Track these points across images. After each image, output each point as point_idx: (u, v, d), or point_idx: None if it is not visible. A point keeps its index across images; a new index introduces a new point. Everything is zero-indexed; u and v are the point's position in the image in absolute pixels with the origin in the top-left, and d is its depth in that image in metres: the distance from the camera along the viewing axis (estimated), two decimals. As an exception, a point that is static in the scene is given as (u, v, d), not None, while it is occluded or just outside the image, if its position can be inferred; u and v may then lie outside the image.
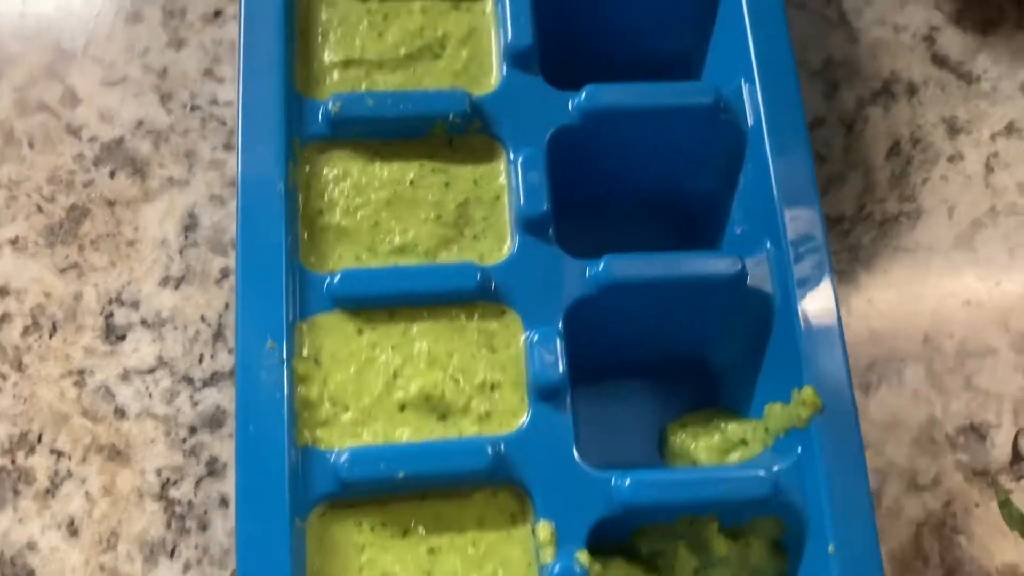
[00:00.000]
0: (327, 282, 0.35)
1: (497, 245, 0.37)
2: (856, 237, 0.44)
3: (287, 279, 0.35)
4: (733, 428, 0.38)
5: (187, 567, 0.38)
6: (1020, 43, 0.48)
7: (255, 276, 0.35)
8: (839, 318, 0.36)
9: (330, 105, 0.37)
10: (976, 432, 0.41)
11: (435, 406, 0.35)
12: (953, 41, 0.48)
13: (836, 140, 0.46)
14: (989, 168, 0.46)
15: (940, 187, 0.45)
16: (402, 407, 0.35)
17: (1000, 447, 0.41)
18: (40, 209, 0.42)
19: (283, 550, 0.32)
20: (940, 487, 0.40)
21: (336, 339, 0.35)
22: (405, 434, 0.34)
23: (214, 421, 0.39)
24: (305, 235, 0.37)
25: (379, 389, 0.35)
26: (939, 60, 0.47)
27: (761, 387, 0.38)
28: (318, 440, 0.34)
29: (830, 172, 0.45)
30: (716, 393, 0.41)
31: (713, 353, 0.41)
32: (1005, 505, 0.40)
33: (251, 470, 0.33)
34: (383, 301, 0.36)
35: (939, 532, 0.40)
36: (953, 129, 0.46)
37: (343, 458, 0.33)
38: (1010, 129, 0.47)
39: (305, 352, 0.35)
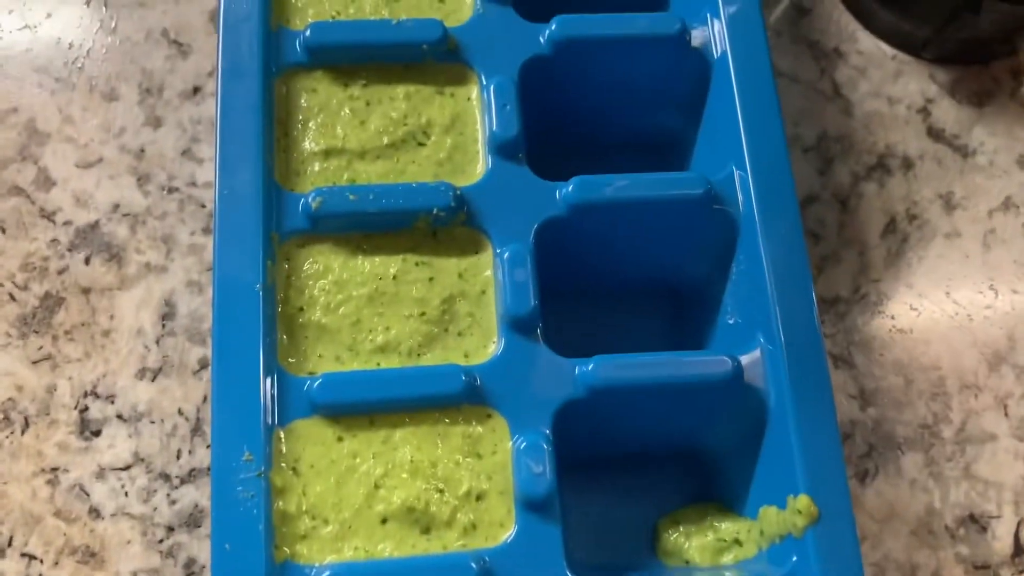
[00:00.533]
0: (307, 386, 0.34)
1: (483, 342, 0.36)
2: (851, 320, 0.43)
3: (264, 384, 0.34)
4: (727, 527, 0.37)
5: None
6: (1015, 114, 0.47)
7: (231, 381, 0.34)
8: (835, 419, 0.35)
9: (311, 200, 0.36)
10: (976, 523, 0.40)
11: (418, 518, 0.33)
12: (948, 113, 0.47)
13: (831, 217, 0.45)
14: (986, 245, 0.45)
15: (937, 265, 0.44)
16: (384, 520, 0.33)
17: (1001, 539, 0.40)
18: (13, 298, 0.41)
19: (261, 675, 0.31)
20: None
21: (315, 447, 0.34)
22: (387, 549, 0.33)
23: (192, 520, 0.38)
24: (284, 337, 0.35)
25: (360, 501, 0.34)
26: (935, 133, 0.47)
27: (757, 483, 0.37)
28: (297, 555, 0.33)
29: (824, 251, 0.44)
30: (710, 484, 0.40)
31: (706, 445, 0.40)
32: (1006, 602, 0.39)
33: (227, 590, 0.32)
34: (364, 407, 0.34)
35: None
36: (949, 205, 0.45)
37: (323, 575, 0.32)
38: (1007, 204, 0.46)
39: (283, 462, 0.34)
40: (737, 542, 0.37)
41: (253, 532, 0.32)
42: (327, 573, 0.32)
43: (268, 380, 0.34)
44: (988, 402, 0.42)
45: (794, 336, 0.36)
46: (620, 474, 0.40)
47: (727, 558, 0.37)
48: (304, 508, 0.33)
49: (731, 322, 0.39)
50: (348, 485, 0.34)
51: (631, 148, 0.43)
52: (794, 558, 0.34)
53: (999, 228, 0.45)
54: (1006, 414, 0.42)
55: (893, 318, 0.43)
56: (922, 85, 0.47)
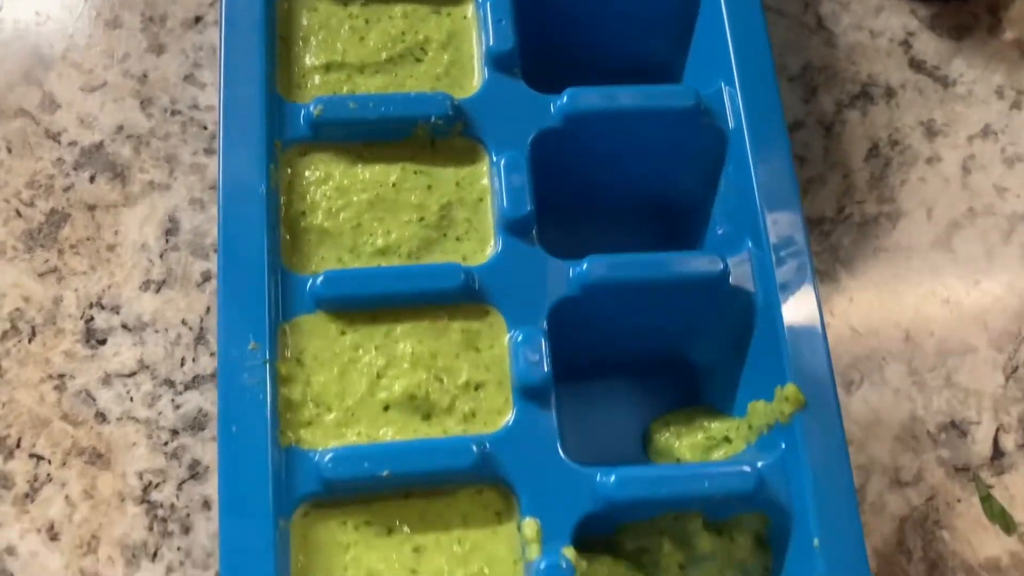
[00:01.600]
0: (310, 283, 0.35)
1: (480, 247, 0.37)
2: (836, 238, 0.45)
3: (269, 281, 0.35)
4: (716, 426, 0.38)
5: (169, 570, 0.37)
6: (993, 48, 0.49)
7: (237, 278, 0.35)
8: (821, 315, 0.36)
9: (312, 108, 0.37)
10: (957, 429, 0.42)
11: (419, 406, 0.35)
12: (929, 45, 0.48)
13: (815, 143, 0.46)
14: (966, 170, 0.46)
15: (919, 189, 0.46)
16: (386, 407, 0.34)
17: (981, 443, 0.41)
18: (19, 214, 0.42)
19: (267, 550, 0.32)
20: (923, 483, 0.41)
21: (319, 340, 0.35)
22: (389, 434, 0.34)
23: (196, 424, 0.39)
24: (287, 237, 0.36)
25: (363, 390, 0.35)
26: (916, 64, 0.48)
27: (744, 385, 0.38)
28: (301, 440, 0.34)
29: (810, 174, 0.46)
30: (699, 391, 0.41)
31: (696, 352, 0.41)
32: (986, 500, 0.40)
33: (234, 471, 0.32)
34: (366, 302, 0.36)
35: (922, 527, 0.40)
36: (931, 132, 0.47)
37: (326, 458, 0.33)
38: (986, 132, 0.47)
39: (288, 353, 0.35)
40: (727, 439, 0.38)
41: (259, 417, 0.33)
42: (330, 455, 0.33)
43: (272, 278, 0.35)
44: (968, 317, 0.44)
45: (781, 239, 0.37)
46: (612, 381, 0.41)
47: (717, 455, 0.38)
48: (308, 397, 0.34)
49: (720, 232, 0.40)
50: (351, 375, 0.35)
51: (623, 73, 0.45)
52: (782, 445, 0.35)
53: (978, 154, 0.47)
54: (985, 327, 0.43)
55: (877, 237, 0.45)
56: (903, 20, 0.49)
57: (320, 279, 0.35)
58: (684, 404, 0.41)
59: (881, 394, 0.42)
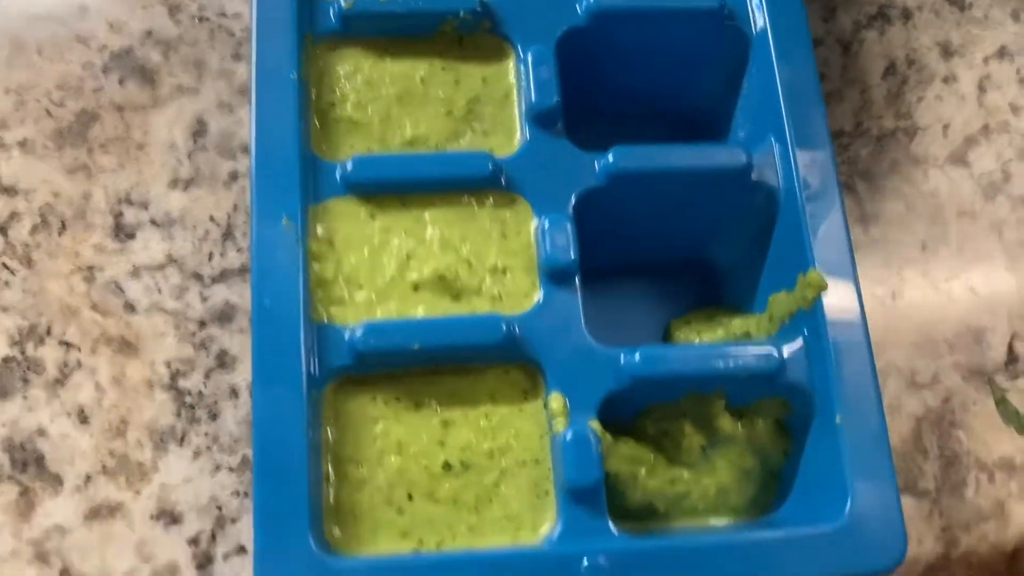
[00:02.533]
0: (340, 168, 0.36)
1: (507, 141, 0.38)
2: (854, 151, 0.45)
3: (301, 164, 0.35)
4: (737, 322, 0.39)
5: (197, 453, 0.38)
6: (1010, -28, 0.49)
7: (269, 160, 0.35)
8: (843, 205, 0.36)
9: (342, 1, 0.38)
10: (972, 334, 0.42)
11: (448, 287, 0.35)
12: (945, -32, 0.49)
13: (834, 60, 0.47)
14: (982, 89, 0.47)
15: (935, 106, 0.46)
16: (416, 287, 0.35)
17: (996, 349, 0.42)
18: (49, 113, 0.42)
19: (298, 420, 0.32)
20: (939, 385, 0.41)
21: (349, 223, 0.36)
22: (419, 312, 0.35)
23: (224, 316, 0.40)
24: (317, 125, 0.37)
25: (392, 271, 0.35)
26: (932, -14, 0.49)
27: (764, 284, 0.39)
28: (333, 317, 0.34)
29: (828, 89, 0.46)
30: (719, 293, 0.42)
31: (717, 252, 0.41)
32: (1001, 403, 0.41)
33: (267, 343, 0.33)
34: (396, 187, 0.36)
35: (938, 427, 0.41)
36: (947, 52, 0.47)
37: (358, 331, 0.33)
38: (1002, 53, 0.48)
39: (319, 234, 0.35)
40: (747, 334, 0.38)
41: (292, 290, 0.34)
42: (362, 329, 0.34)
43: (303, 162, 0.36)
44: (984, 226, 0.44)
45: (803, 134, 0.37)
46: (634, 282, 0.42)
47: (737, 350, 0.38)
48: (339, 276, 0.35)
49: (742, 135, 0.41)
50: (381, 257, 0.35)
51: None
52: (805, 331, 0.35)
53: (994, 74, 0.47)
54: (1000, 237, 0.44)
55: (893, 151, 0.45)
56: (920, -56, 0.49)
57: (350, 164, 0.36)
58: (704, 305, 0.41)
59: (897, 300, 0.43)
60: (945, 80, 0.47)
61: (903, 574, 0.39)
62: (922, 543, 0.40)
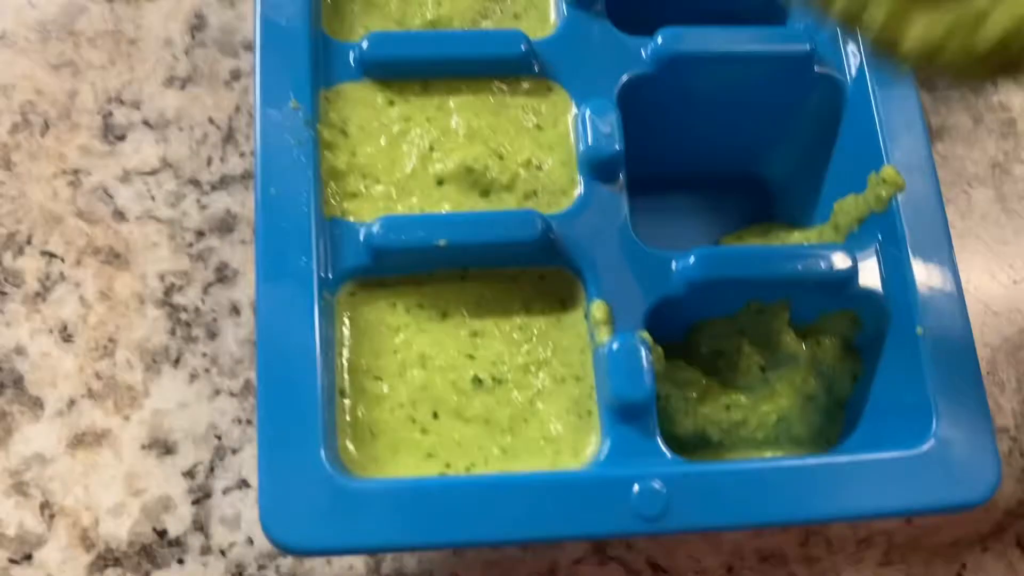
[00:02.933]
0: (355, 48, 0.32)
1: (540, 24, 0.34)
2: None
3: (311, 42, 0.31)
4: (796, 235, 0.35)
5: (193, 377, 0.34)
6: None
7: (275, 39, 0.31)
8: (917, 95, 0.32)
9: None
10: (1050, 257, 0.38)
11: (476, 180, 0.31)
12: None
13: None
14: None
15: (1005, 11, 0.42)
16: (440, 181, 0.31)
17: (1077, 272, 0.38)
18: (30, 3, 0.38)
19: (308, 326, 0.28)
20: (1016, 312, 0.37)
21: (364, 109, 0.32)
22: (444, 209, 0.31)
23: (224, 225, 0.36)
24: (328, 1, 0.33)
25: (414, 163, 0.31)
26: None
27: (826, 193, 0.35)
28: (347, 212, 0.30)
29: None
30: (773, 208, 0.38)
31: (774, 161, 0.37)
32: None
33: (273, 239, 0.29)
34: (417, 68, 0.32)
35: (1015, 357, 0.37)
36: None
37: (376, 226, 0.29)
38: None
39: (332, 120, 0.31)
40: (808, 247, 0.35)
41: (302, 179, 0.30)
42: (381, 223, 0.29)
43: (313, 40, 0.31)
44: (1062, 140, 0.40)
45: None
46: (685, 196, 0.38)
47: (797, 264, 0.34)
48: (354, 167, 0.31)
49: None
50: (400, 147, 0.31)
51: None
52: (879, 236, 0.31)
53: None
54: (1081, 152, 0.40)
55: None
56: None
57: (366, 42, 0.32)
58: (758, 221, 0.37)
59: (966, 220, 0.39)
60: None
61: (979, 520, 0.35)
62: (1001, 486, 0.36)
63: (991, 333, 0.37)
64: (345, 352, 0.29)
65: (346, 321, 0.29)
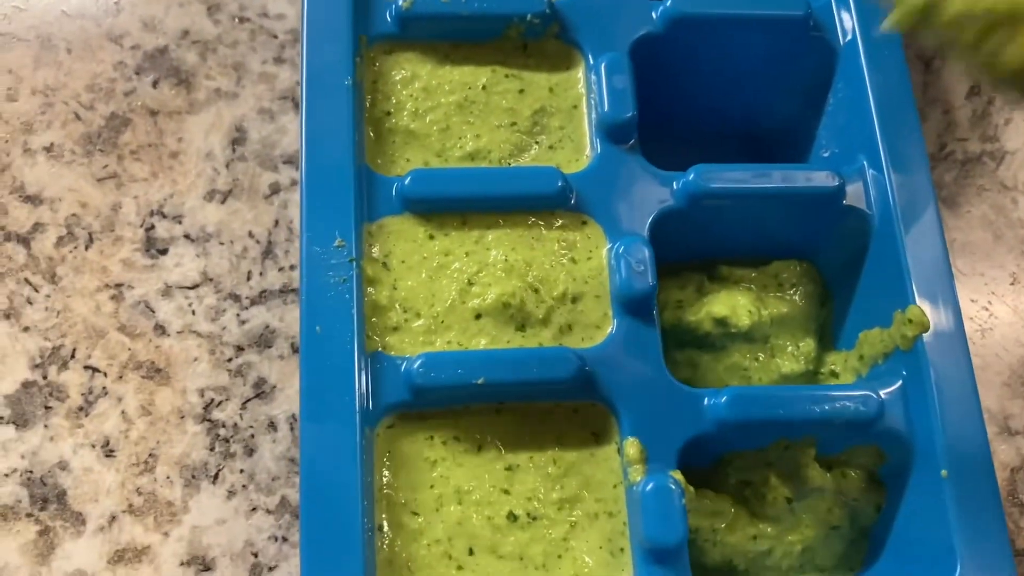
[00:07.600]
0: (397, 183, 0.33)
1: (575, 156, 0.35)
2: (938, 176, 0.42)
3: (356, 178, 0.32)
4: (823, 359, 0.36)
5: (231, 493, 0.35)
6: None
7: (320, 173, 0.32)
8: (943, 236, 0.33)
9: (401, 1, 0.35)
10: (1069, 377, 0.39)
11: (513, 315, 0.32)
12: (1033, -18, 0.46)
13: (915, 77, 0.43)
14: (1074, 111, 0.44)
15: (1023, 128, 0.43)
16: (478, 315, 0.32)
17: (1095, 393, 0.39)
18: (78, 117, 0.39)
19: (351, 459, 0.29)
20: (1034, 432, 0.38)
21: (406, 243, 0.33)
22: (482, 343, 0.32)
23: (263, 341, 0.37)
24: (371, 135, 0.34)
25: (453, 296, 0.32)
26: (1019, 0, 0.45)
27: (853, 315, 0.36)
28: (388, 346, 0.31)
29: (910, 108, 0.43)
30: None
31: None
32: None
33: (317, 374, 0.30)
34: (456, 204, 0.33)
35: (1034, 478, 0.37)
36: (1035, 70, 0.44)
37: (417, 363, 0.30)
38: (1094, 73, 0.44)
39: (374, 256, 0.32)
40: (833, 374, 0.35)
41: (345, 316, 0.30)
42: (421, 360, 0.30)
43: (357, 175, 0.32)
44: (1079, 260, 0.41)
45: (897, 155, 0.34)
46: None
47: (821, 390, 0.35)
48: (395, 301, 0.32)
49: (826, 155, 0.37)
50: (440, 281, 0.32)
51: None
52: (903, 372, 0.32)
53: (1086, 95, 0.44)
54: (1098, 272, 0.41)
55: (980, 175, 0.42)
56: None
57: (408, 178, 0.33)
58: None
59: (987, 338, 0.39)
60: (1034, 101, 0.44)
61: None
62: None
63: (1009, 453, 0.38)
64: (383, 486, 0.30)
65: (385, 455, 0.30)
